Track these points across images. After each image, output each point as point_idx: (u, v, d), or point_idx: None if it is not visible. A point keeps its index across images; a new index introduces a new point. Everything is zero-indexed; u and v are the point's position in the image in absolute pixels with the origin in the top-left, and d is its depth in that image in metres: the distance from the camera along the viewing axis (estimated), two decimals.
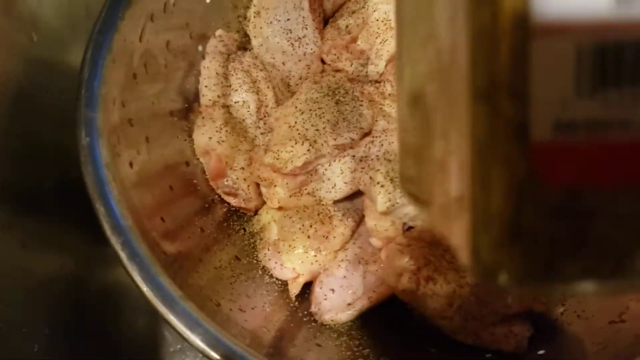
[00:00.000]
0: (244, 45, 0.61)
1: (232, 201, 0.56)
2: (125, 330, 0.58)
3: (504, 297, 0.49)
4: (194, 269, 0.46)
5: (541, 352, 0.49)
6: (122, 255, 0.39)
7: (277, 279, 0.53)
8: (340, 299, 0.52)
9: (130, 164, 0.45)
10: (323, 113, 0.54)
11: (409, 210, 0.51)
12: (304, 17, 0.58)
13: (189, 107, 0.57)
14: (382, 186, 0.50)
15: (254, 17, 0.59)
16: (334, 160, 0.54)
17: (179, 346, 0.59)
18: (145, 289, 0.38)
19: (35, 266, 0.47)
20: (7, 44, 0.42)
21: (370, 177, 0.52)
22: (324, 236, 0.52)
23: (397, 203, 0.50)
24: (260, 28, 0.59)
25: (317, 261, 0.52)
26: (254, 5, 0.59)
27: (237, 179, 0.54)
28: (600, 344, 0.46)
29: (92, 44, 0.44)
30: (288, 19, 0.58)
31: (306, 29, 0.58)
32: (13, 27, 0.42)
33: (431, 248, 0.49)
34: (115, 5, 0.46)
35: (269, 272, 0.53)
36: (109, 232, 0.39)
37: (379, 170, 0.51)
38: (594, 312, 0.49)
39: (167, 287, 0.38)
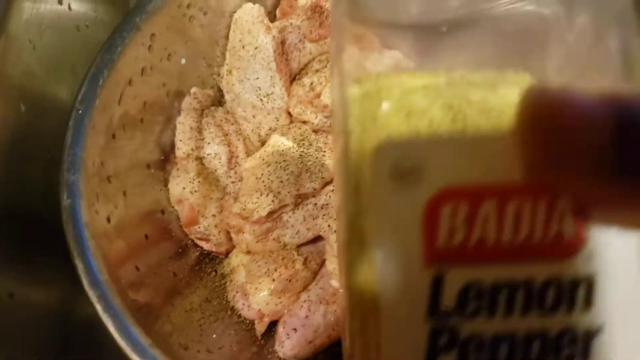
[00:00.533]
0: (218, 99, 0.66)
1: (205, 245, 0.61)
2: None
3: None
4: (166, 314, 0.51)
5: None
6: (98, 307, 0.43)
7: (245, 318, 0.58)
8: (302, 337, 0.57)
9: (108, 219, 0.50)
10: (287, 165, 0.59)
11: None
12: (271, 75, 0.63)
13: (166, 158, 0.62)
14: None
15: (227, 75, 0.64)
16: (297, 208, 0.59)
17: None
18: (118, 338, 0.43)
19: (22, 311, 0.52)
20: None
21: (329, 225, 0.57)
22: (287, 280, 0.57)
23: None
24: (232, 85, 0.64)
25: (281, 302, 0.57)
26: (227, 65, 0.64)
27: (209, 225, 0.59)
28: None
29: (74, 112, 0.49)
30: (257, 78, 0.63)
31: (274, 86, 0.63)
32: (3, 102, 0.47)
33: None
34: (96, 75, 0.51)
35: (237, 312, 0.58)
36: (87, 286, 0.44)
37: (336, 219, 0.56)
38: None
39: (138, 337, 0.43)
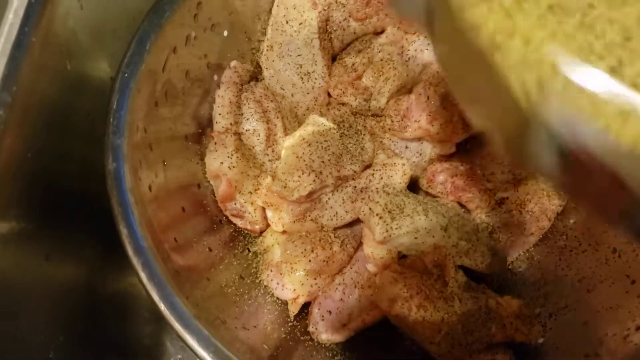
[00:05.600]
0: (256, 75, 0.65)
1: (239, 222, 0.59)
2: (131, 338, 0.62)
3: (488, 327, 0.53)
4: (203, 288, 0.50)
5: None
6: (142, 275, 0.42)
7: (277, 298, 0.57)
8: (336, 320, 0.56)
9: (150, 187, 0.49)
10: (328, 145, 0.58)
11: (404, 240, 0.55)
12: (314, 53, 0.62)
13: (202, 132, 0.60)
14: (380, 217, 0.54)
15: (267, 50, 0.63)
16: (337, 190, 0.58)
17: (179, 356, 0.63)
18: (162, 307, 0.42)
19: (55, 277, 0.50)
20: (45, 72, 0.45)
21: (370, 209, 0.55)
22: (324, 261, 0.56)
23: (394, 234, 0.54)
24: (272, 61, 0.63)
25: (316, 284, 0.56)
26: (267, 39, 0.63)
27: (245, 202, 0.58)
28: None
29: (121, 75, 0.48)
30: (299, 55, 0.62)
31: (315, 64, 0.62)
32: (51, 57, 0.46)
33: (423, 277, 0.53)
34: (143, 38, 0.50)
35: (270, 291, 0.57)
36: (131, 252, 0.43)
37: (378, 202, 0.55)
38: (572, 345, 0.53)
39: (182, 307, 0.42)
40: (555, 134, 0.22)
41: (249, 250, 0.60)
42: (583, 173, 0.23)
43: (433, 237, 0.55)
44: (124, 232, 0.43)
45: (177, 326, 0.41)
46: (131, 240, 0.43)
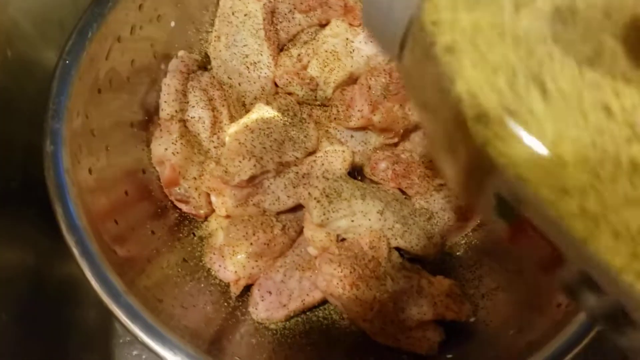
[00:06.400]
0: (204, 65, 0.67)
1: (184, 207, 0.61)
2: (77, 320, 0.63)
3: (419, 305, 0.55)
4: (142, 269, 0.51)
5: (449, 355, 0.55)
6: (75, 251, 0.44)
7: (220, 280, 0.59)
8: (276, 300, 0.58)
9: (90, 170, 0.50)
10: (271, 132, 0.60)
11: (342, 223, 0.57)
12: (259, 44, 0.64)
13: (149, 119, 0.62)
14: (318, 201, 0.56)
15: (215, 40, 0.65)
16: (279, 176, 0.60)
17: (128, 338, 0.64)
18: (93, 282, 0.43)
19: None
20: None
21: (309, 193, 0.57)
22: (265, 244, 0.58)
23: (331, 217, 0.56)
24: (220, 51, 0.64)
25: (257, 266, 0.58)
26: (215, 30, 0.65)
27: (189, 187, 0.59)
28: (499, 351, 0.53)
29: (61, 62, 0.49)
30: (245, 45, 0.64)
31: (261, 54, 0.64)
32: None
33: (357, 258, 0.55)
34: (85, 28, 0.51)
35: (213, 274, 0.59)
36: (64, 230, 0.44)
37: (316, 187, 0.57)
38: (501, 323, 0.56)
39: (114, 283, 0.44)
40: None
41: (194, 235, 0.61)
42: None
43: (369, 220, 0.57)
44: (58, 210, 0.45)
45: (108, 300, 0.43)
46: (65, 219, 0.45)
